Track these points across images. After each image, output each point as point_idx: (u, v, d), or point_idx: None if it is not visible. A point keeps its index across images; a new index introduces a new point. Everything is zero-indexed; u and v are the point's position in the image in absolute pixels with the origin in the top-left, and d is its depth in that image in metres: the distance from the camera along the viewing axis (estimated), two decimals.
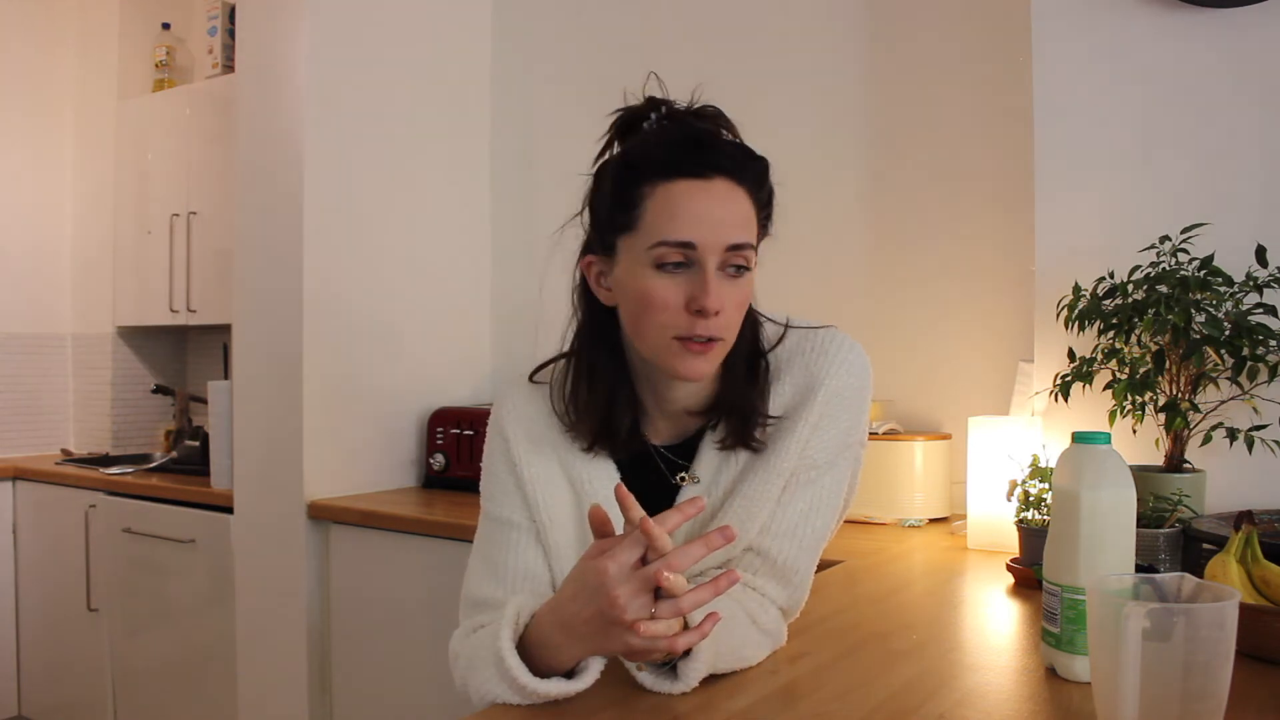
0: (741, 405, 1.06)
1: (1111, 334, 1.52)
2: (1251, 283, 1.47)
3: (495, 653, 0.90)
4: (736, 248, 0.97)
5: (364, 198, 2.49)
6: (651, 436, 1.10)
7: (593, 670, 0.91)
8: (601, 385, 1.06)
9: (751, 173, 0.99)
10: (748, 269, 0.99)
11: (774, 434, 1.06)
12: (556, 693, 0.89)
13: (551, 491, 1.08)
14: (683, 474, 1.09)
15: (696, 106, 1.04)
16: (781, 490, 1.06)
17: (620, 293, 1.01)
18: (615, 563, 0.84)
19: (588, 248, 1.05)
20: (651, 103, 1.03)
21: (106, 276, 3.63)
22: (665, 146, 0.98)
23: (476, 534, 1.12)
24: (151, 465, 3.18)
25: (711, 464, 1.08)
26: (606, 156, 1.05)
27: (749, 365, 1.07)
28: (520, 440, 1.10)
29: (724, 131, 1.03)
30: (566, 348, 1.11)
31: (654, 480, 1.09)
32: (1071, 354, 1.59)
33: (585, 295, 1.07)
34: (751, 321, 1.07)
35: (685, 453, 1.10)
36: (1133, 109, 1.66)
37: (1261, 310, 1.46)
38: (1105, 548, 0.92)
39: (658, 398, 1.08)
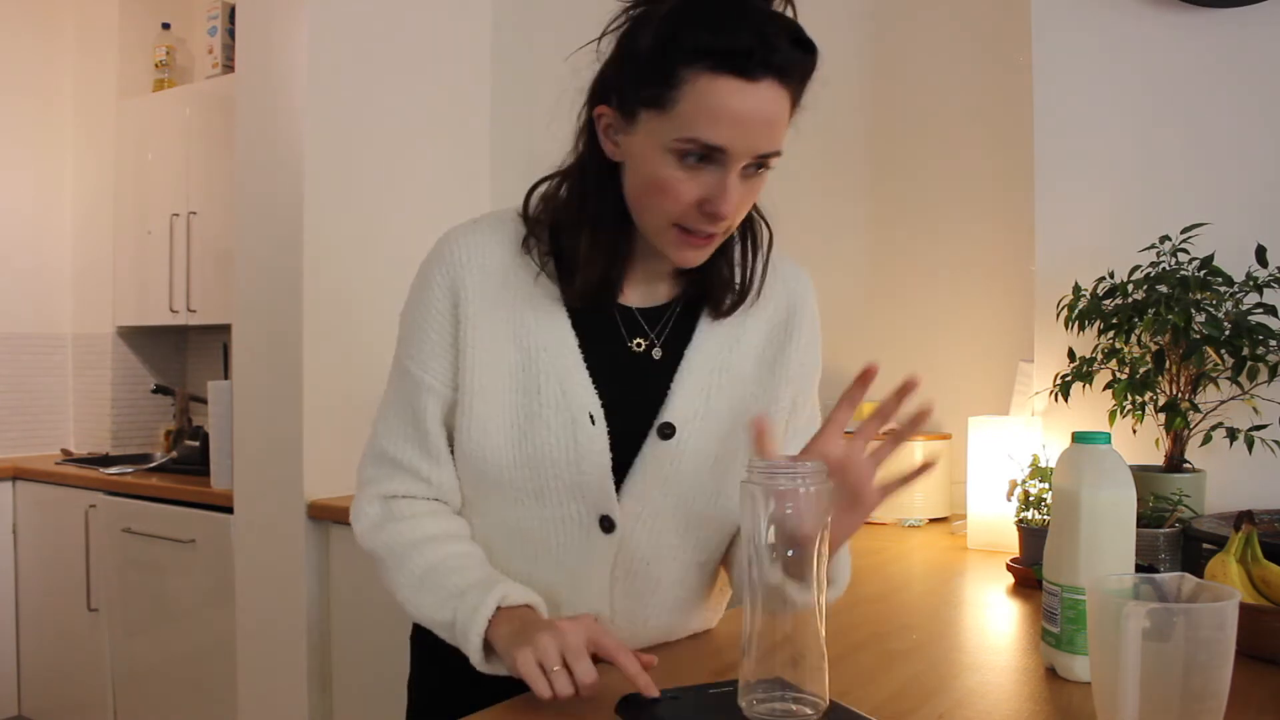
0: (720, 278, 1.04)
1: (1111, 334, 1.52)
2: (1251, 283, 1.47)
3: (462, 624, 0.94)
4: (765, 156, 0.91)
5: (364, 197, 2.49)
6: (621, 298, 1.04)
7: None
8: (606, 238, 0.98)
9: (800, 73, 0.91)
10: (768, 170, 0.94)
11: (771, 346, 1.08)
12: (491, 672, 0.94)
13: (494, 355, 1.00)
14: (639, 339, 1.04)
15: None
16: (792, 405, 1.09)
17: (630, 160, 0.95)
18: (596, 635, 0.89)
19: (604, 94, 0.96)
20: None
21: (106, 276, 3.63)
22: (721, 31, 0.86)
23: (391, 384, 1.07)
24: (151, 465, 3.18)
25: (706, 338, 1.05)
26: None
27: (741, 238, 1.04)
28: (475, 297, 1.00)
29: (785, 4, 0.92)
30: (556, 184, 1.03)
31: (611, 342, 1.03)
32: (1071, 354, 1.59)
33: (591, 139, 0.99)
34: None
35: (652, 319, 1.05)
36: (1133, 109, 1.66)
37: (1261, 310, 1.46)
38: (1105, 548, 0.92)
39: (643, 258, 1.02)
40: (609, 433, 1.00)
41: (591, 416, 0.99)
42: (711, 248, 0.97)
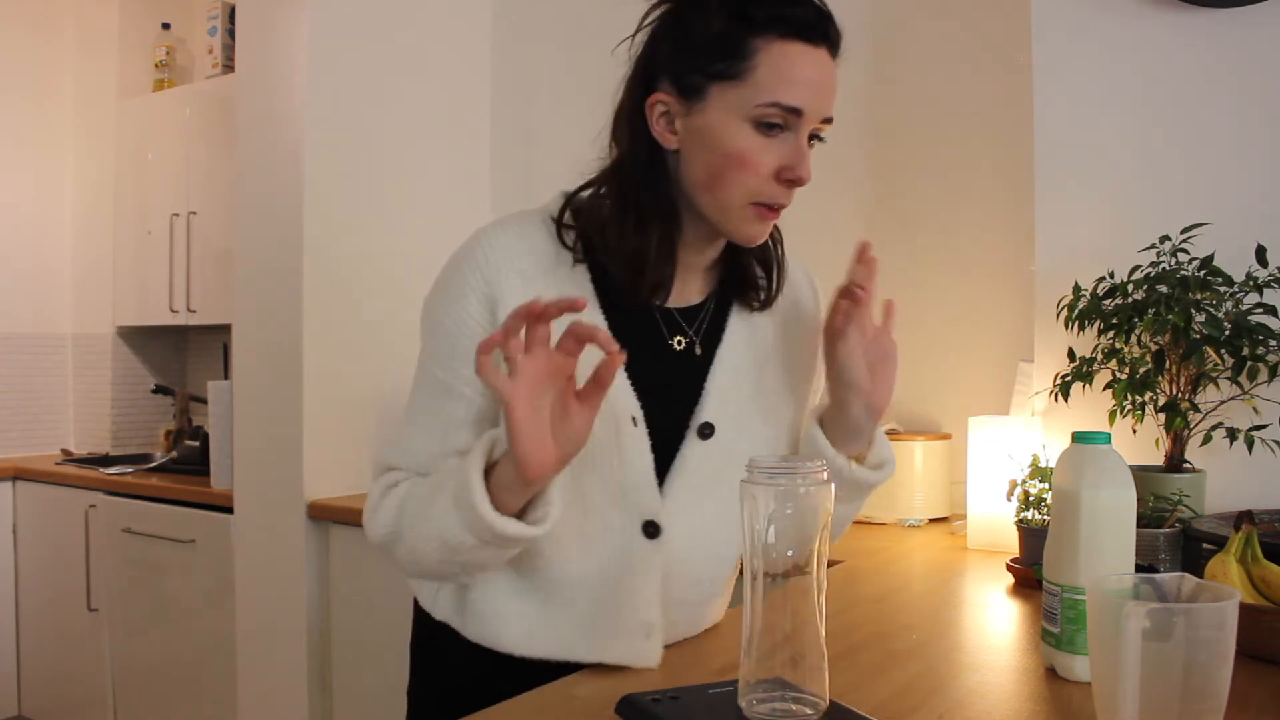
0: (752, 270, 1.07)
1: (1111, 334, 1.52)
2: (1251, 283, 1.47)
3: (460, 484, 0.87)
4: (828, 120, 0.97)
5: (364, 197, 2.49)
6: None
7: (551, 518, 0.89)
8: (656, 234, 0.98)
9: (839, 47, 0.98)
10: (819, 142, 0.99)
11: (790, 343, 1.11)
12: (514, 534, 0.87)
13: None
14: (679, 337, 1.04)
15: None
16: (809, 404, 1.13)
17: (697, 141, 0.96)
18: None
19: (653, 82, 0.98)
20: None
21: (106, 276, 3.63)
22: (788, 2, 0.93)
23: (417, 393, 1.03)
24: (151, 465, 3.18)
25: (735, 335, 1.07)
26: None
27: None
28: (515, 303, 0.94)
29: None
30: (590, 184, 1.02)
31: (651, 342, 1.03)
32: (1071, 354, 1.59)
33: (640, 129, 0.99)
34: None
35: (689, 317, 1.06)
36: (1133, 109, 1.65)
37: (1261, 310, 1.46)
38: (1105, 548, 0.92)
39: (685, 253, 1.02)
40: (648, 434, 1.00)
41: (634, 419, 0.99)
42: (773, 223, 1.01)
